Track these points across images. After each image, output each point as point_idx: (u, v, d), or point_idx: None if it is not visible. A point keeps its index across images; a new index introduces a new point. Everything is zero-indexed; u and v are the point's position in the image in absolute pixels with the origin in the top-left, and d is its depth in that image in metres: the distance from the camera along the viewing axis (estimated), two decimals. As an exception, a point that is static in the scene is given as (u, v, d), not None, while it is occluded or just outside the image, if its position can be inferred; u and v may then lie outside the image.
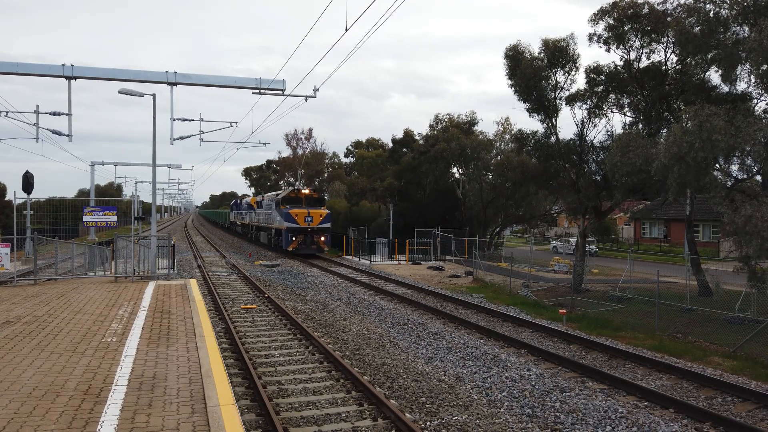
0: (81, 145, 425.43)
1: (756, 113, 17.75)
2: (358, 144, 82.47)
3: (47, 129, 25.42)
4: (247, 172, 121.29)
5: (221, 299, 18.80)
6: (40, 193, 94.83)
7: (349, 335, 14.21)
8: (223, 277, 25.91)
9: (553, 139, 24.62)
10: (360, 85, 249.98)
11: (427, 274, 28.26)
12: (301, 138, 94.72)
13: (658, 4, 21.17)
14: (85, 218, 20.90)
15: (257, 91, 20.65)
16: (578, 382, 10.37)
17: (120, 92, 19.29)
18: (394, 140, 62.69)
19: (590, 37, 22.22)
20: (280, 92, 20.80)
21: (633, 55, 22.15)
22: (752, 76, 17.51)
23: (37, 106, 24.21)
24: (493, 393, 9.77)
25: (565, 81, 23.94)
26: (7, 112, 23.80)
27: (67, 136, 20.73)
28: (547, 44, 23.56)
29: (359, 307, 18.03)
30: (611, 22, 21.70)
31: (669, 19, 20.38)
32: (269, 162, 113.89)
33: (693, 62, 20.74)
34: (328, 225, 35.96)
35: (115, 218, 21.40)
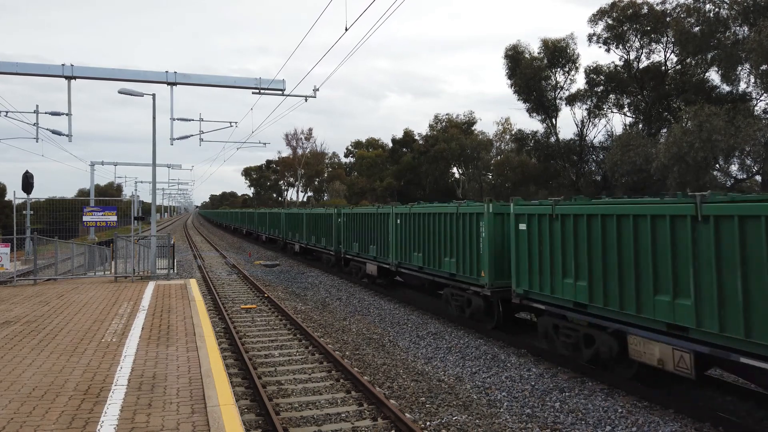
0: (81, 145, 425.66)
1: (756, 113, 17.77)
2: (357, 144, 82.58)
3: (47, 129, 25.41)
4: (247, 172, 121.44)
5: (221, 299, 18.80)
6: (39, 193, 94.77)
7: (348, 335, 14.21)
8: (223, 277, 25.90)
9: (552, 139, 24.66)
10: (356, 85, 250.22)
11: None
12: (301, 138, 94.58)
13: (657, 5, 21.23)
14: (85, 218, 20.92)
15: (257, 91, 20.63)
16: (578, 382, 10.36)
17: (120, 92, 19.26)
18: (393, 140, 62.70)
19: (590, 38, 22.30)
20: (280, 92, 20.78)
21: (633, 55, 22.23)
22: (752, 76, 17.54)
23: (37, 106, 24.18)
24: (492, 393, 9.77)
25: (565, 81, 24.06)
26: (6, 112, 23.78)
27: (67, 136, 20.72)
28: (546, 44, 23.61)
29: (359, 307, 18.03)
30: (610, 22, 21.74)
31: (668, 19, 20.41)
32: (269, 162, 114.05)
33: (693, 62, 20.77)
34: None
35: (114, 218, 21.41)
